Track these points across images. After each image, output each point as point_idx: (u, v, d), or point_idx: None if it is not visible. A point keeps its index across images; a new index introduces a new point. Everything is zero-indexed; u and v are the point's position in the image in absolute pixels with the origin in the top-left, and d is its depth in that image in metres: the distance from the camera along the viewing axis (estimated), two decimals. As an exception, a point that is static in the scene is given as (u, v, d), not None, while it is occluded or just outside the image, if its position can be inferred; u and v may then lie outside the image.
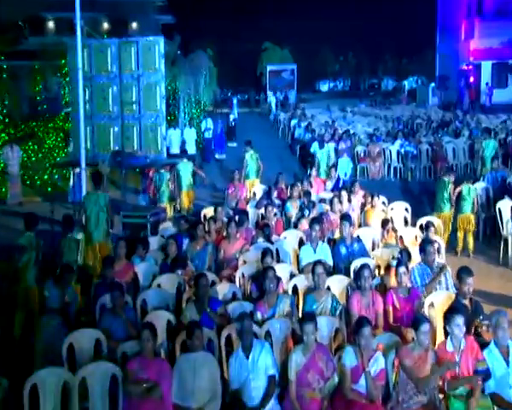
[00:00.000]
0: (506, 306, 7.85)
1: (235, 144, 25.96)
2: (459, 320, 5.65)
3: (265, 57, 52.14)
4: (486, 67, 38.28)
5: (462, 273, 6.74)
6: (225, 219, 10.77)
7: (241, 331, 5.82)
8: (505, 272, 10.69)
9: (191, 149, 19.98)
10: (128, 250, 8.82)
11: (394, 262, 7.69)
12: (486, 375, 5.53)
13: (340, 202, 10.94)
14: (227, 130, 25.82)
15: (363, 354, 5.64)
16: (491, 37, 35.94)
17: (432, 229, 9.06)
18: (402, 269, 6.99)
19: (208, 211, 12.07)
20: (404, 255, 7.77)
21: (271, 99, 39.50)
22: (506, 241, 11.12)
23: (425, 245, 7.82)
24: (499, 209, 11.48)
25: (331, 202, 10.80)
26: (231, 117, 28.42)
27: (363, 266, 7.10)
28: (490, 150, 15.58)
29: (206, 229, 9.90)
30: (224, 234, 10.04)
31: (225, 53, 47.90)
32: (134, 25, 43.26)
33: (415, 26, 51.47)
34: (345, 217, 9.11)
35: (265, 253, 8.02)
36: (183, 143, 19.84)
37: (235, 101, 33.16)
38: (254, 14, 58.42)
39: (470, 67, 38.29)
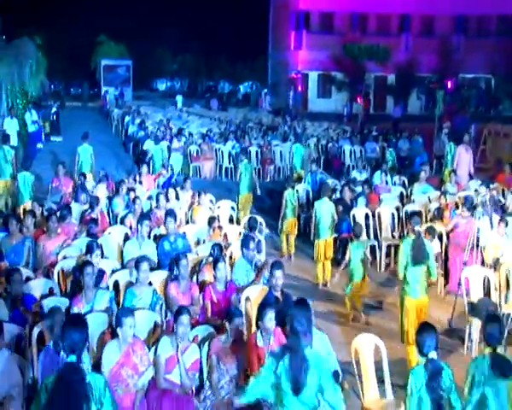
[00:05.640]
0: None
1: (60, 138, 24.79)
2: (271, 314, 5.85)
3: (100, 51, 50.39)
4: (312, 77, 40.59)
5: (272, 267, 7.06)
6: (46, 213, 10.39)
7: (51, 326, 5.58)
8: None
9: (13, 140, 18.78)
10: None
11: (210, 258, 7.90)
12: None
13: (167, 199, 10.99)
14: (50, 123, 24.78)
15: (180, 343, 5.72)
16: (317, 49, 38.07)
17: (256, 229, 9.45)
18: (221, 264, 7.18)
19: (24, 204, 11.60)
20: (217, 250, 7.98)
21: (110, 94, 38.51)
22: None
23: (245, 241, 8.10)
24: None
25: (157, 199, 10.79)
26: (53, 110, 27.09)
27: (181, 256, 7.29)
28: (298, 155, 16.82)
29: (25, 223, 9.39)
30: (44, 229, 9.70)
31: (56, 43, 44.99)
32: None
33: (249, 33, 52.85)
34: (169, 213, 9.14)
35: (90, 248, 7.81)
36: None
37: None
38: (88, 4, 55.78)
39: (299, 75, 40.33)
